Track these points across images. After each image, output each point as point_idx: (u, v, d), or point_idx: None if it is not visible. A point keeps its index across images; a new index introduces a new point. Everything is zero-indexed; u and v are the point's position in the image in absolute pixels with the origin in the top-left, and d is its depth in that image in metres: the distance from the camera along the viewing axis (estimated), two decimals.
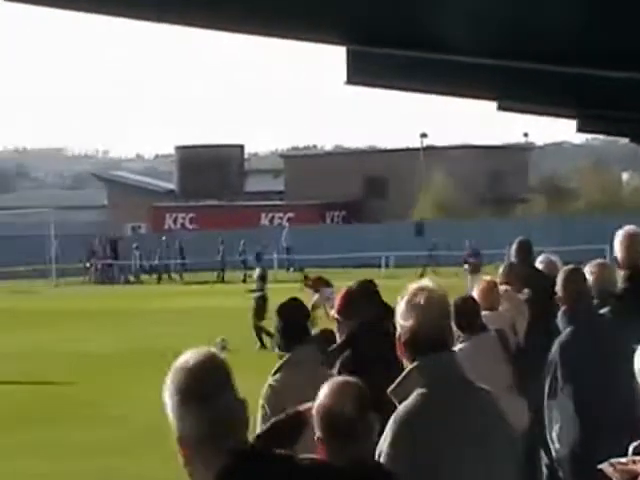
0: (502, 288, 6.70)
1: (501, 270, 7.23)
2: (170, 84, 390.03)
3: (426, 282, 3.15)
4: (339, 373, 4.86)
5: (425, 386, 2.98)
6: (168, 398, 2.32)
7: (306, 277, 21.49)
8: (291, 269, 41.19)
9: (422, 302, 3.02)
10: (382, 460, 2.88)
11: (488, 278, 6.84)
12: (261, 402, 4.65)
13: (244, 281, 37.52)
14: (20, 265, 39.11)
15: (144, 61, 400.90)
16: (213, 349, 2.41)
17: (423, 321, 3.01)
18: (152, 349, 17.93)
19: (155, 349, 17.94)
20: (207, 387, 2.29)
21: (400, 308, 3.07)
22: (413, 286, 3.10)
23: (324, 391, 2.86)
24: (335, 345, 5.14)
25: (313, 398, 2.96)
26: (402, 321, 3.04)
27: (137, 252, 41.41)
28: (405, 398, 2.98)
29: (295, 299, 5.13)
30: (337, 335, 5.21)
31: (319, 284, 18.94)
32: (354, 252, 38.76)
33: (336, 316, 5.15)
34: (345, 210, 53.28)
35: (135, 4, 4.00)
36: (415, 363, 3.01)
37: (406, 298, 3.06)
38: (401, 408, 2.96)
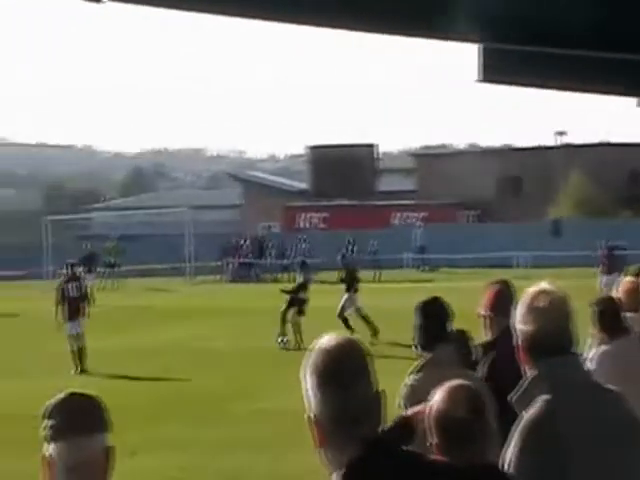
0: None
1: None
2: (302, 85, 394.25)
3: (545, 285, 3.05)
4: (486, 370, 4.82)
5: (549, 392, 2.89)
6: (306, 377, 2.34)
7: None
8: (424, 268, 41.03)
9: (542, 305, 2.94)
10: (509, 469, 2.82)
11: (632, 279, 6.63)
12: (400, 402, 4.63)
13: (377, 280, 37.66)
14: (158, 263, 40.37)
15: (277, 63, 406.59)
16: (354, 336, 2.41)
17: (544, 325, 2.93)
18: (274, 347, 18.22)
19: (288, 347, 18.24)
20: (345, 372, 2.29)
21: (519, 312, 3.00)
22: (532, 289, 3.02)
23: (437, 396, 2.83)
24: (484, 342, 5.07)
25: None
26: (522, 325, 2.97)
27: (272, 251, 42.09)
28: (528, 406, 2.90)
29: (436, 298, 5.09)
30: (484, 332, 5.13)
31: None
32: (488, 252, 38.25)
33: (487, 312, 5.07)
34: (479, 209, 52.61)
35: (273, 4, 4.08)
36: (537, 369, 2.93)
37: (526, 301, 2.99)
38: (526, 417, 2.88)
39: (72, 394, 2.49)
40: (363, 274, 38.59)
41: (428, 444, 2.83)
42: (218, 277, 41.24)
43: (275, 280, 40.80)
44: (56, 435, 2.42)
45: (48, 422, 2.45)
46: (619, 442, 2.91)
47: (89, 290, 28.64)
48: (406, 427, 3.08)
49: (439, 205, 51.46)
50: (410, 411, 3.07)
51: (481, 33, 4.56)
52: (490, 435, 2.80)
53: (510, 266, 35.33)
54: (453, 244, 40.45)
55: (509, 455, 2.86)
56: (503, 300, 5.02)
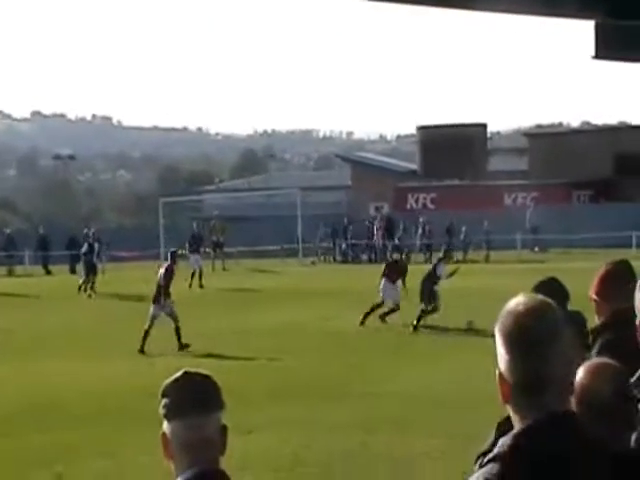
0: None
1: None
2: (411, 64, 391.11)
3: None
4: (598, 355, 4.74)
5: None
6: (497, 335, 2.25)
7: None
8: (536, 249, 40.35)
9: None
10: None
11: None
12: None
13: (487, 261, 37.26)
14: (269, 244, 40.88)
15: (386, 43, 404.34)
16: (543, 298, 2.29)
17: None
18: (401, 329, 18.21)
19: (403, 329, 18.20)
20: (532, 337, 2.18)
21: None
22: None
23: (582, 371, 2.79)
24: (594, 327, 4.97)
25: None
26: None
27: (380, 232, 41.99)
28: None
29: (553, 278, 4.98)
30: (595, 317, 5.04)
31: None
32: (602, 232, 37.31)
33: (594, 297, 4.99)
34: (593, 189, 51.33)
35: None
36: None
37: None
38: None
39: (187, 373, 2.52)
40: (474, 255, 38.41)
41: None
42: (329, 258, 41.45)
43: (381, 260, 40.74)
44: (171, 414, 2.46)
45: (164, 401, 2.49)
46: None
47: (196, 271, 29.34)
48: None
49: (551, 185, 50.42)
50: None
51: (595, 9, 4.46)
52: (633, 418, 2.75)
53: (627, 246, 34.39)
54: (566, 225, 39.62)
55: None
56: (612, 283, 4.86)
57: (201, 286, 28.83)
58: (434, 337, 17.13)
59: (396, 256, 23.14)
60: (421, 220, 41.46)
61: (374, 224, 42.26)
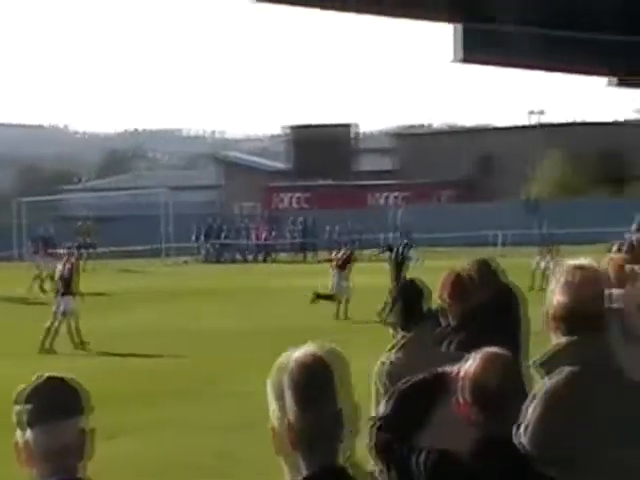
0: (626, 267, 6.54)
1: (616, 248, 7.08)
2: (281, 63, 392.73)
3: (584, 260, 3.11)
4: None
5: (577, 364, 2.93)
6: (282, 385, 2.32)
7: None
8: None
9: (578, 280, 2.99)
10: (527, 433, 2.86)
11: (620, 255, 6.67)
12: (377, 379, 4.71)
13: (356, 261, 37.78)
14: (137, 245, 40.19)
15: (255, 42, 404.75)
16: None
17: (578, 298, 2.97)
18: (272, 328, 18.25)
19: (275, 328, 18.25)
20: (315, 387, 2.25)
21: (556, 284, 3.05)
22: (571, 263, 3.07)
23: (474, 359, 2.89)
24: (446, 326, 5.12)
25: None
26: (558, 296, 3.01)
27: (250, 232, 41.97)
28: (552, 372, 2.95)
29: (413, 279, 5.17)
30: (449, 317, 5.18)
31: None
32: (467, 231, 38.41)
33: (447, 299, 5.14)
34: (457, 189, 52.78)
35: None
36: (569, 339, 2.96)
37: (563, 275, 3.04)
38: (551, 383, 2.92)
39: (46, 378, 2.48)
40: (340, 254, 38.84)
41: (461, 401, 2.88)
42: (197, 258, 41.15)
43: (256, 260, 40.81)
44: (33, 420, 2.41)
45: (25, 407, 2.44)
46: (631, 431, 2.92)
47: (42, 274, 28.15)
48: (440, 381, 3.12)
49: (418, 185, 51.56)
50: (441, 369, 3.13)
51: (459, 13, 4.58)
52: (516, 404, 2.85)
53: (490, 244, 35.52)
54: (432, 224, 40.58)
55: (528, 418, 2.89)
56: (461, 285, 5.10)
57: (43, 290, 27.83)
58: (305, 337, 17.29)
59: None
60: (291, 219, 41.74)
61: (248, 223, 42.29)
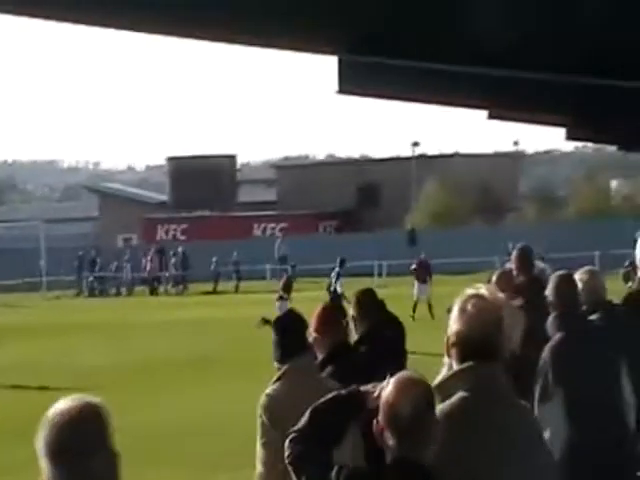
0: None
1: (495, 277, 7.25)
2: (159, 94, 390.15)
3: (481, 289, 3.12)
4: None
5: (469, 390, 2.99)
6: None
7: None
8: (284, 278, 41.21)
9: (473, 308, 3.01)
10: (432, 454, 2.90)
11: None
12: (259, 412, 4.70)
13: (236, 291, 37.62)
14: (10, 279, 38.98)
15: (131, 71, 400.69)
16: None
17: (472, 327, 3.00)
18: (149, 360, 17.95)
19: (152, 360, 17.97)
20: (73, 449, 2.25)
21: (453, 311, 3.08)
22: (468, 291, 3.09)
23: (390, 385, 2.89)
24: (317, 361, 5.17)
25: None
26: (453, 324, 3.05)
27: (129, 264, 41.25)
28: (447, 397, 3.00)
29: (292, 310, 5.17)
30: (317, 350, 5.22)
31: None
32: (347, 261, 38.73)
33: (313, 334, 5.17)
34: (338, 219, 53.31)
35: (111, 13, 3.99)
36: (463, 366, 3.01)
37: (459, 302, 3.06)
38: (443, 406, 2.97)
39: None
40: (223, 285, 38.66)
41: (376, 423, 2.87)
42: (74, 292, 40.21)
43: (130, 294, 40.12)
44: None
45: None
46: (523, 459, 3.00)
47: None
48: (358, 399, 3.09)
49: (299, 216, 51.84)
50: (362, 388, 3.10)
51: (337, 45, 4.61)
52: (432, 432, 2.86)
53: (370, 275, 35.93)
54: (313, 254, 40.77)
55: None
56: (328, 319, 5.19)
57: None
58: (176, 368, 17.07)
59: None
60: (172, 252, 41.25)
61: (124, 257, 41.56)
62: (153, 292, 39.88)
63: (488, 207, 49.47)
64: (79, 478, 2.19)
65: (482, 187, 52.12)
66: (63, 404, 2.22)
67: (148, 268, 40.47)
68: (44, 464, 2.21)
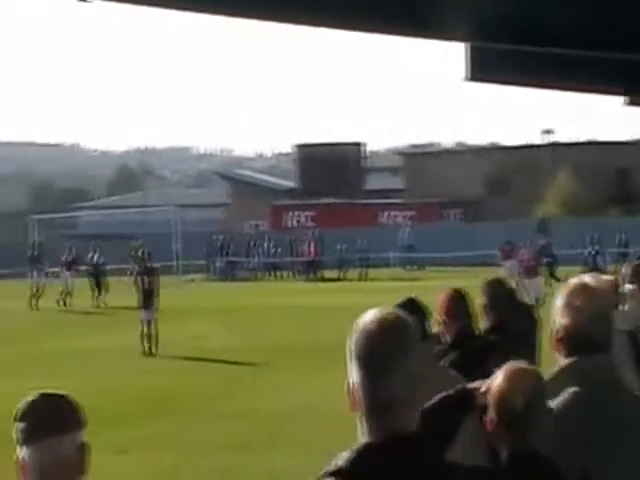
0: (627, 287, 6.52)
1: (625, 269, 7.03)
2: (291, 83, 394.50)
3: (587, 278, 3.01)
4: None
5: (580, 385, 2.89)
6: (348, 348, 2.27)
7: None
8: (409, 267, 41.06)
9: (580, 300, 2.90)
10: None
11: (611, 277, 6.65)
12: None
13: (362, 279, 37.70)
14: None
15: (266, 61, 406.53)
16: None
17: (580, 320, 2.89)
18: (276, 346, 18.19)
19: (279, 346, 18.19)
20: (381, 356, 2.18)
21: (558, 304, 2.97)
22: (573, 282, 2.98)
23: (500, 376, 2.84)
24: (442, 346, 5.17)
25: (430, 396, 2.96)
26: (559, 318, 2.94)
27: (258, 249, 41.96)
28: (558, 392, 2.90)
29: (411, 298, 5.15)
30: (444, 336, 5.25)
31: None
32: (475, 250, 38.29)
33: (443, 317, 5.20)
34: (465, 208, 52.72)
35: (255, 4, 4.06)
36: (571, 360, 2.92)
37: (564, 294, 2.95)
38: (556, 402, 2.88)
39: (41, 395, 2.49)
40: (350, 273, 38.82)
41: (487, 419, 2.84)
42: (204, 276, 41.12)
43: (259, 278, 40.76)
44: (27, 438, 2.42)
45: (20, 425, 2.44)
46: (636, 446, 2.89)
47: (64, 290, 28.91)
48: (467, 397, 3.08)
49: (426, 204, 51.52)
50: (470, 385, 3.08)
51: (468, 32, 4.55)
52: (543, 423, 2.81)
53: (498, 264, 35.41)
54: (440, 243, 40.48)
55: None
56: (455, 304, 5.25)
57: (64, 304, 28.35)
58: (310, 355, 17.18)
59: None
60: (301, 238, 41.64)
61: (255, 242, 42.25)
62: (277, 276, 40.41)
63: (623, 196, 47.97)
64: (375, 385, 2.20)
65: (618, 176, 50.58)
66: (374, 315, 2.25)
67: (312, 252, 40.38)
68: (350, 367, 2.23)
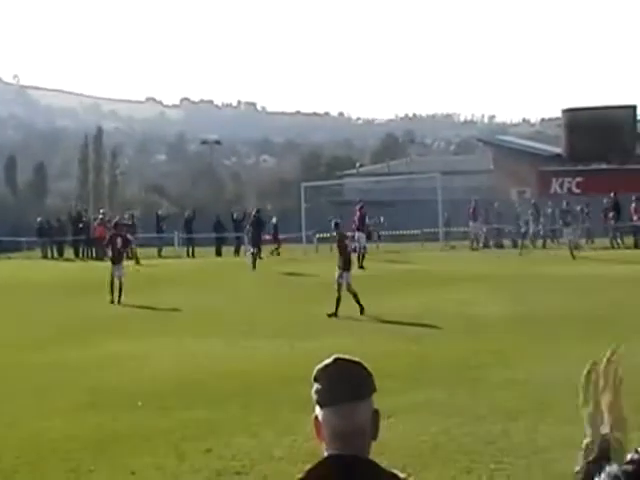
0: None
1: None
2: (556, 47, 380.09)
3: None
4: None
5: None
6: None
7: None
8: None
9: None
10: None
11: None
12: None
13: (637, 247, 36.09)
14: (410, 229, 40.94)
15: (530, 27, 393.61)
16: None
17: None
18: (542, 315, 17.91)
19: (546, 315, 17.89)
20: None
21: None
22: None
23: None
24: None
25: None
26: None
27: (527, 217, 41.11)
28: None
29: None
30: None
31: None
32: None
33: None
34: None
35: None
36: None
37: None
38: None
39: (337, 359, 2.51)
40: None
41: None
42: (467, 244, 40.97)
43: (526, 247, 39.94)
44: (323, 400, 2.47)
45: (315, 386, 2.50)
46: None
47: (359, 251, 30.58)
48: None
49: None
50: None
51: None
52: None
53: None
54: None
55: None
56: None
57: (361, 267, 29.53)
58: (583, 324, 16.74)
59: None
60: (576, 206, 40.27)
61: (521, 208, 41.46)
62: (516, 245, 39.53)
63: None
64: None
65: None
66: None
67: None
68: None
